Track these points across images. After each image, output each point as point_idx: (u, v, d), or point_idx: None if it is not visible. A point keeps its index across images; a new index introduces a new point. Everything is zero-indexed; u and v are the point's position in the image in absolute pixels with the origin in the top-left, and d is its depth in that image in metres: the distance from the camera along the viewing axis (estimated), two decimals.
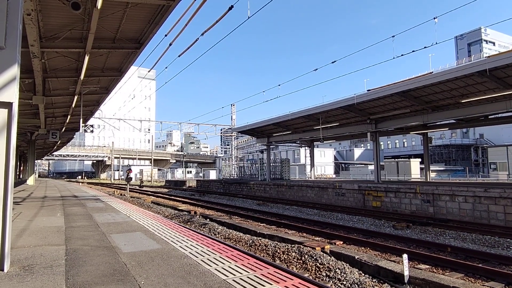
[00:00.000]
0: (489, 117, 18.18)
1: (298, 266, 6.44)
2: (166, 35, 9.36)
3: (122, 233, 6.36)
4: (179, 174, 75.79)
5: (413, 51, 13.41)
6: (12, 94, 3.87)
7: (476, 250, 8.12)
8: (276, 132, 27.69)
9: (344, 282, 5.55)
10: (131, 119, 48.04)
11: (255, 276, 3.82)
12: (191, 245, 5.36)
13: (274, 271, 4.02)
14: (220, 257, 4.62)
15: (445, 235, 10.42)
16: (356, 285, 5.45)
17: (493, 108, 14.69)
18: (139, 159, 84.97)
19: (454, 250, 8.15)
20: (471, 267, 6.63)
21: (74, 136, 37.18)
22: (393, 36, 13.86)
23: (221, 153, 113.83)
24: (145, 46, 10.60)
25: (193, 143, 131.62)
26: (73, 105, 17.72)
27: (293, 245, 7.35)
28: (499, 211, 11.88)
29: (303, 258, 6.62)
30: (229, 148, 78.22)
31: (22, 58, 4.44)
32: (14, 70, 3.89)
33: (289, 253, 6.95)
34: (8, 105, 3.87)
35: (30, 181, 30.61)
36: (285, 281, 3.68)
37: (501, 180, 30.23)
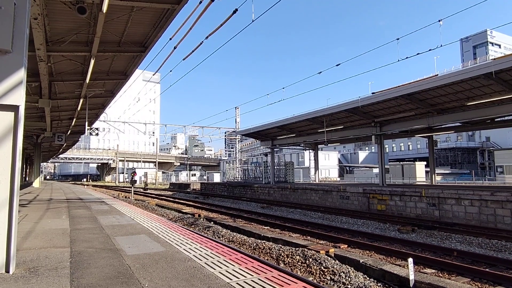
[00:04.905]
0: (495, 120, 18.02)
1: (302, 270, 6.41)
2: (170, 39, 9.43)
3: (127, 235, 6.38)
4: (183, 177, 75.89)
5: (418, 53, 13.37)
6: (19, 98, 3.91)
7: (482, 254, 8.03)
8: (280, 135, 27.67)
9: (349, 286, 5.51)
10: (136, 122, 48.35)
11: (259, 279, 3.81)
12: (195, 247, 5.36)
13: (278, 275, 4.00)
14: (224, 260, 4.61)
15: (451, 239, 10.32)
16: None
17: (499, 111, 14.56)
18: (144, 162, 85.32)
19: (460, 254, 8.07)
20: (477, 272, 6.55)
21: (80, 139, 37.44)
22: (397, 39, 13.84)
23: (225, 156, 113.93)
24: (150, 50, 10.67)
25: (197, 146, 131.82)
26: (79, 108, 17.86)
27: (297, 249, 7.32)
28: (506, 214, 11.74)
29: (307, 261, 6.59)
30: (233, 151, 78.36)
31: (29, 62, 4.49)
32: (21, 74, 3.94)
33: (293, 257, 6.92)
34: (14, 108, 3.92)
35: (36, 183, 30.86)
36: (289, 284, 3.66)
37: (508, 183, 29.90)
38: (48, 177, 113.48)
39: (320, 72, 16.85)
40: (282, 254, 7.18)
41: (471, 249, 8.86)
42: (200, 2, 7.28)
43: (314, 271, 6.23)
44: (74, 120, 21.54)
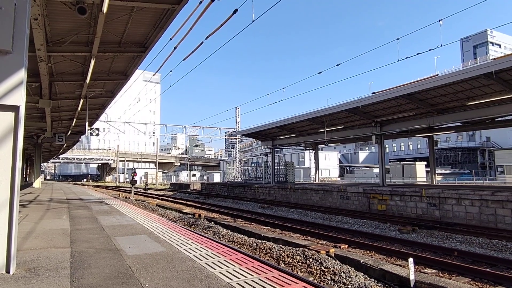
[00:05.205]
0: (496, 119, 18.01)
1: (302, 270, 6.40)
2: (171, 39, 9.44)
3: (127, 236, 6.38)
4: (183, 177, 75.91)
5: (418, 53, 13.37)
6: (19, 98, 3.91)
7: (483, 254, 8.03)
8: (280, 135, 27.67)
9: (349, 286, 5.51)
10: (136, 122, 48.36)
11: (259, 279, 3.80)
12: (195, 248, 5.36)
13: (279, 275, 4.00)
14: (224, 260, 4.61)
15: (451, 239, 10.31)
16: None
17: (499, 110, 14.56)
18: (144, 162, 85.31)
19: (461, 254, 8.06)
20: (478, 272, 6.55)
21: (80, 139, 37.47)
22: (398, 39, 13.85)
23: (226, 156, 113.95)
24: (150, 50, 10.66)
25: (197, 146, 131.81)
26: (79, 109, 17.87)
27: (297, 249, 7.32)
28: (507, 214, 11.73)
29: (307, 261, 6.59)
30: (233, 151, 78.38)
31: (29, 62, 4.49)
32: (21, 74, 3.94)
33: (294, 257, 6.92)
34: (15, 109, 3.91)
35: (36, 183, 30.86)
36: (289, 284, 3.66)
37: (508, 183, 29.88)
38: (48, 178, 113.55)
39: (320, 72, 16.88)
40: (283, 254, 7.17)
41: (472, 249, 8.86)
42: (200, 2, 7.29)
43: (314, 271, 6.22)
44: (75, 120, 21.54)
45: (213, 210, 18.00)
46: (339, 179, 54.71)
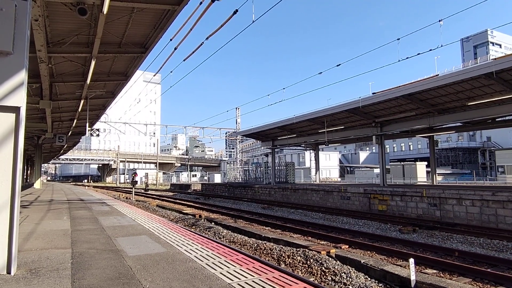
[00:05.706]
0: (496, 119, 17.99)
1: (303, 270, 6.40)
2: (171, 40, 9.44)
3: (128, 236, 6.38)
4: (184, 177, 75.93)
5: (419, 53, 13.37)
6: (20, 99, 3.92)
7: (484, 255, 8.03)
8: (280, 136, 27.67)
9: (350, 287, 5.51)
10: (136, 123, 48.35)
11: (260, 280, 3.80)
12: (196, 248, 5.36)
13: (279, 275, 4.00)
14: (225, 261, 4.61)
15: (452, 239, 10.30)
16: None
17: (500, 110, 14.55)
18: (145, 162, 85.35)
19: (462, 255, 8.06)
20: (479, 272, 6.55)
21: (80, 140, 37.49)
22: (398, 39, 13.85)
23: (226, 157, 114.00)
24: (151, 51, 10.67)
25: (198, 146, 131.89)
26: (80, 109, 17.88)
27: (298, 249, 7.31)
28: (508, 215, 11.71)
29: (308, 262, 6.59)
30: (233, 152, 78.38)
31: (30, 63, 4.50)
32: (22, 75, 3.94)
33: (294, 257, 6.92)
34: (16, 110, 3.92)
35: (37, 184, 30.89)
36: (290, 285, 3.66)
37: (509, 183, 29.83)
38: (49, 178, 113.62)
39: (321, 73, 16.89)
40: (283, 255, 7.17)
41: (473, 250, 8.85)
42: (201, 3, 7.30)
43: (315, 271, 6.22)
44: (75, 121, 21.56)
45: (214, 210, 18.00)
46: (339, 179, 54.67)
